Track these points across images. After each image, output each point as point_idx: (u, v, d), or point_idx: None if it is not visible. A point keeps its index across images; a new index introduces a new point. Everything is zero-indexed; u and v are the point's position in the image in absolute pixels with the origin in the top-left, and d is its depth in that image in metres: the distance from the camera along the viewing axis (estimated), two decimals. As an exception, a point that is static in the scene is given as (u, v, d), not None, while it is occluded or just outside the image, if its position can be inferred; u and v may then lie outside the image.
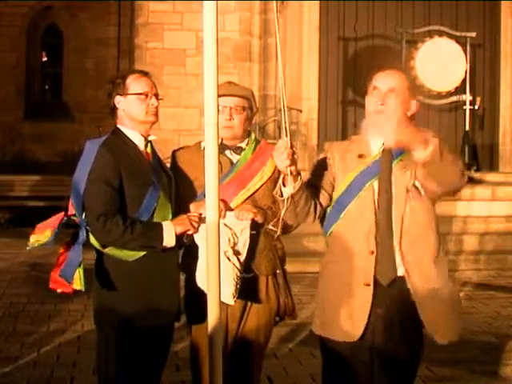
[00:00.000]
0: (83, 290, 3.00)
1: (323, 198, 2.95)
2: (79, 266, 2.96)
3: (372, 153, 2.94)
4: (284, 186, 2.76)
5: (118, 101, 3.08)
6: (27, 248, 3.06)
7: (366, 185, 2.89)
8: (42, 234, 2.98)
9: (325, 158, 3.01)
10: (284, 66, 11.54)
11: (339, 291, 2.95)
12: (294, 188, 2.74)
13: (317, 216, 2.96)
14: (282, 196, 2.78)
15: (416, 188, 2.88)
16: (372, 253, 2.86)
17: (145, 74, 3.15)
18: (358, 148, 2.98)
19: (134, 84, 3.07)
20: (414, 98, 2.93)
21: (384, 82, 2.91)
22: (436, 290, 2.88)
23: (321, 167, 3.00)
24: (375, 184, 2.90)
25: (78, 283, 2.97)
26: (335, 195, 2.95)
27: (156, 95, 3.10)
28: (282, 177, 2.76)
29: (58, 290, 3.08)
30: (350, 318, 2.89)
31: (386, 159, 2.91)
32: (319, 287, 3.08)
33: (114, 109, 3.11)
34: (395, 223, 2.86)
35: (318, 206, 2.93)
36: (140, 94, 3.05)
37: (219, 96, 3.19)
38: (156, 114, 3.10)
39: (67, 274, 2.97)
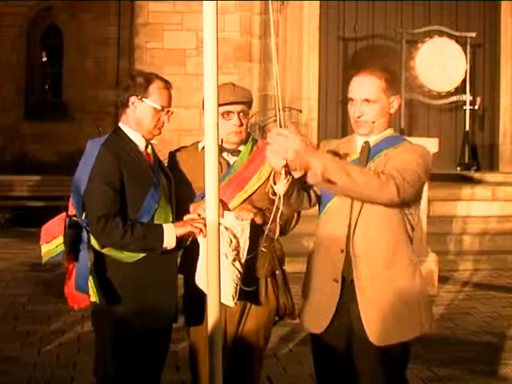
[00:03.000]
0: (98, 302, 2.96)
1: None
2: (90, 274, 2.92)
3: (356, 151, 2.97)
4: (274, 183, 2.76)
5: (133, 101, 3.03)
6: (43, 262, 3.03)
7: None
8: (52, 244, 2.96)
9: None
10: (284, 66, 11.55)
11: (312, 283, 3.03)
12: (285, 185, 2.74)
13: (312, 203, 3.00)
14: (274, 194, 2.78)
15: None
16: (342, 251, 2.89)
17: (169, 85, 3.10)
18: (346, 147, 3.03)
19: (157, 94, 3.02)
20: (395, 94, 2.94)
21: (358, 93, 2.96)
22: (385, 295, 2.85)
23: None
24: None
25: (93, 294, 2.93)
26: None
27: (168, 109, 3.08)
28: (272, 175, 2.76)
29: (76, 307, 3.05)
30: (317, 310, 2.98)
31: (362, 158, 2.93)
32: (304, 277, 3.15)
33: (125, 105, 3.07)
34: (352, 223, 2.87)
35: (312, 193, 2.98)
36: (156, 106, 3.02)
37: (226, 104, 3.19)
38: (161, 128, 3.09)
39: (83, 287, 2.93)
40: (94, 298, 2.94)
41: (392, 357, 2.91)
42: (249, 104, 3.33)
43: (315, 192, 2.98)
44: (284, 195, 2.76)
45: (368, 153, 2.92)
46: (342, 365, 2.97)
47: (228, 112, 3.22)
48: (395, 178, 2.69)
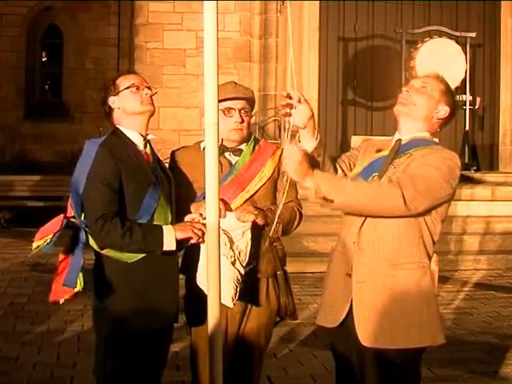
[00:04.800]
0: (81, 290, 2.98)
1: (347, 170, 3.01)
2: (81, 270, 2.94)
3: (389, 148, 2.96)
4: (299, 141, 2.80)
5: (113, 101, 3.08)
6: (29, 255, 3.05)
7: (369, 178, 2.89)
8: (42, 240, 2.97)
9: (356, 149, 3.12)
10: (284, 66, 11.55)
11: (329, 279, 3.01)
12: (314, 142, 2.82)
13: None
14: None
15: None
16: (354, 243, 2.87)
17: (133, 72, 3.22)
18: (381, 144, 3.03)
19: (124, 81, 3.09)
20: (447, 105, 2.93)
21: (418, 80, 2.99)
22: (382, 294, 2.79)
23: (352, 152, 3.12)
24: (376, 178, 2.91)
25: (79, 285, 2.95)
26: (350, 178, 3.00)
27: (148, 87, 3.11)
28: (298, 134, 2.79)
29: (61, 301, 3.06)
30: (331, 305, 2.94)
31: (389, 155, 2.91)
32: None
33: (109, 112, 3.11)
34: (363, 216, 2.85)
35: (340, 173, 2.98)
36: (131, 86, 3.06)
37: (227, 99, 3.20)
38: (152, 103, 3.10)
39: (71, 282, 2.94)
40: (79, 287, 2.94)
41: (388, 365, 2.80)
42: (250, 101, 3.32)
43: (345, 174, 2.99)
44: (313, 152, 2.82)
45: (397, 150, 2.90)
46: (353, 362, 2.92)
47: (229, 108, 3.22)
48: (404, 187, 2.64)
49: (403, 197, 2.64)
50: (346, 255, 2.90)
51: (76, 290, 2.95)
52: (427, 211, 2.79)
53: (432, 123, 2.95)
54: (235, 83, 3.32)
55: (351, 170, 3.02)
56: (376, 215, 2.77)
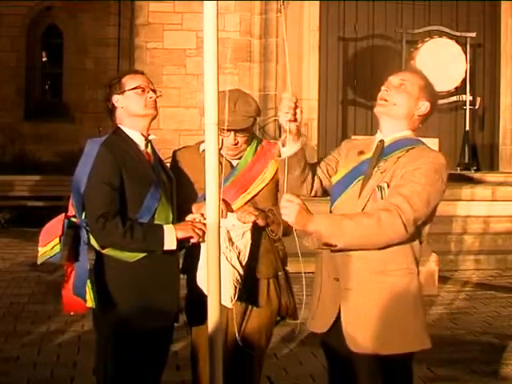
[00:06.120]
0: (94, 307, 2.97)
1: (324, 177, 2.98)
2: (88, 278, 2.93)
3: (371, 150, 2.92)
4: (283, 146, 2.78)
5: (117, 99, 3.08)
6: (38, 263, 3.03)
7: (354, 182, 2.87)
8: (48, 246, 2.96)
9: (337, 151, 3.07)
10: (284, 66, 11.54)
11: (317, 285, 2.98)
12: (292, 149, 2.78)
13: (313, 190, 2.98)
14: (279, 157, 2.81)
15: (381, 189, 2.78)
16: (341, 248, 2.83)
17: (140, 72, 3.19)
18: (363, 145, 2.99)
19: (130, 81, 3.09)
20: (427, 100, 2.89)
21: (396, 77, 2.93)
22: (370, 300, 2.78)
23: (332, 155, 3.06)
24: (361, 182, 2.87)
25: (89, 300, 2.93)
26: (332, 183, 2.97)
27: (153, 90, 3.11)
28: (282, 137, 2.76)
29: (72, 313, 3.06)
30: (323, 310, 2.92)
31: (373, 158, 2.88)
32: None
33: (112, 110, 3.11)
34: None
35: (317, 181, 2.96)
36: (136, 87, 3.06)
37: (226, 129, 3.10)
38: (155, 107, 3.10)
39: (81, 291, 2.93)
40: (90, 303, 2.93)
41: (377, 370, 2.78)
42: (248, 127, 3.24)
43: (321, 182, 2.97)
44: (290, 158, 2.79)
45: (380, 152, 2.87)
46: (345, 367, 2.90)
47: (226, 131, 3.17)
48: (402, 212, 2.63)
49: (403, 224, 2.64)
50: (334, 259, 2.86)
51: (88, 305, 2.94)
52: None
53: (413, 120, 2.91)
54: (236, 101, 3.19)
55: (331, 177, 2.98)
56: (379, 247, 2.73)
